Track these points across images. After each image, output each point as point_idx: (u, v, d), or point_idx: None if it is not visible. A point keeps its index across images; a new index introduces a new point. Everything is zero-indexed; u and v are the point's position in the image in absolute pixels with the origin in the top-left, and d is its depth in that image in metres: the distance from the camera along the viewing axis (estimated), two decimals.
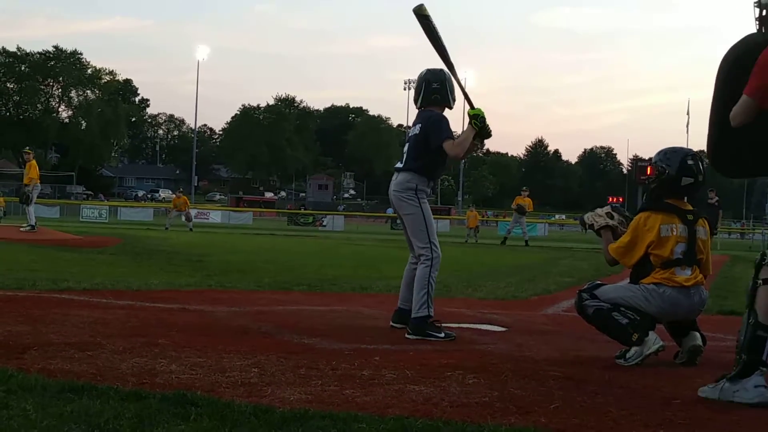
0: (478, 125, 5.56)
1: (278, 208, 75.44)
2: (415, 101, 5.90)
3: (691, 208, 4.82)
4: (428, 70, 5.86)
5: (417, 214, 5.68)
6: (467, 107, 5.69)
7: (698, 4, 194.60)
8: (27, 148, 19.42)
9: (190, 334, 5.11)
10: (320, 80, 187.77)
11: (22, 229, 18.10)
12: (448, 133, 5.64)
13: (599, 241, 5.19)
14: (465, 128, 5.69)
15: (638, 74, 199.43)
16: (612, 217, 5.15)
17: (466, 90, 5.73)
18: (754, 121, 3.70)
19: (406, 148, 5.88)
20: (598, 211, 5.25)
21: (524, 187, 29.72)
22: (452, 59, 5.69)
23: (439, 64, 5.90)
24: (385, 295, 8.22)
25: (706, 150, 4.36)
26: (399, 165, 5.87)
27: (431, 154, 5.68)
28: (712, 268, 4.96)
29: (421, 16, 5.59)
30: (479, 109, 5.60)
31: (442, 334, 5.46)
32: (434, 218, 5.90)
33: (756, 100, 3.64)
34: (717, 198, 20.88)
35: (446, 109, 5.85)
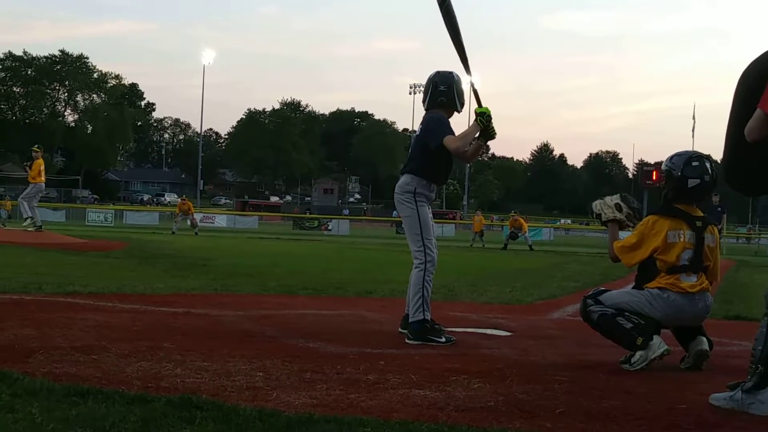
0: (484, 123, 5.53)
1: (283, 212, 75.47)
2: (423, 103, 5.89)
3: (701, 214, 4.81)
4: (437, 72, 5.83)
5: (413, 217, 5.67)
6: (475, 105, 5.65)
7: (704, 7, 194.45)
8: (36, 146, 18.61)
9: (196, 338, 5.11)
10: (326, 84, 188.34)
11: (26, 227, 18.11)
12: (447, 131, 5.60)
13: (604, 245, 5.18)
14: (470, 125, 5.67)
15: (644, 78, 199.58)
16: (620, 209, 5.12)
17: (477, 89, 5.65)
18: None
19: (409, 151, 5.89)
20: (608, 200, 5.20)
21: (513, 211, 32.33)
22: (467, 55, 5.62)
23: (449, 67, 5.89)
24: (390, 299, 8.22)
25: (722, 168, 4.28)
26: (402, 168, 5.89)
27: (430, 155, 5.64)
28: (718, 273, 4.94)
29: (441, 1, 5.47)
30: (486, 108, 5.56)
31: (443, 339, 5.44)
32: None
33: None
34: (719, 200, 20.79)
35: (453, 113, 5.82)
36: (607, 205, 5.18)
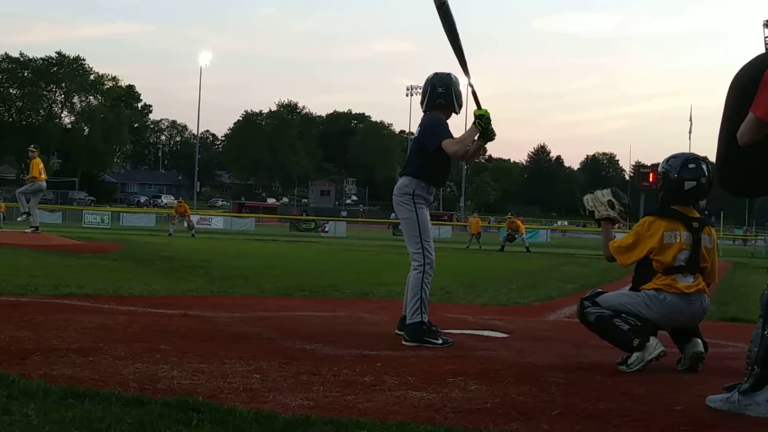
0: (483, 125, 5.53)
1: (280, 213, 75.41)
2: (421, 104, 5.89)
3: (697, 215, 4.82)
4: (435, 74, 5.82)
5: (411, 219, 5.67)
6: (474, 107, 5.65)
7: (701, 10, 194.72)
8: (32, 146, 18.29)
9: (192, 340, 5.11)
10: (323, 86, 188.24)
11: (23, 224, 18.20)
12: (445, 134, 5.60)
13: (601, 246, 5.17)
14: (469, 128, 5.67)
15: (641, 80, 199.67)
16: (613, 207, 5.11)
17: (476, 90, 5.66)
18: (761, 140, 3.60)
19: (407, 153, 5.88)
20: (600, 196, 5.16)
21: (510, 213, 32.77)
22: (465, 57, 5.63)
23: (446, 69, 5.89)
24: (387, 300, 8.22)
25: (715, 170, 4.26)
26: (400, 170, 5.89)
27: (428, 157, 5.63)
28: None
29: (439, 4, 5.48)
30: (485, 110, 5.57)
31: (440, 341, 5.45)
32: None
33: (763, 117, 3.53)
34: (706, 204, 20.74)
35: (452, 115, 5.82)
36: (599, 201, 5.16)
